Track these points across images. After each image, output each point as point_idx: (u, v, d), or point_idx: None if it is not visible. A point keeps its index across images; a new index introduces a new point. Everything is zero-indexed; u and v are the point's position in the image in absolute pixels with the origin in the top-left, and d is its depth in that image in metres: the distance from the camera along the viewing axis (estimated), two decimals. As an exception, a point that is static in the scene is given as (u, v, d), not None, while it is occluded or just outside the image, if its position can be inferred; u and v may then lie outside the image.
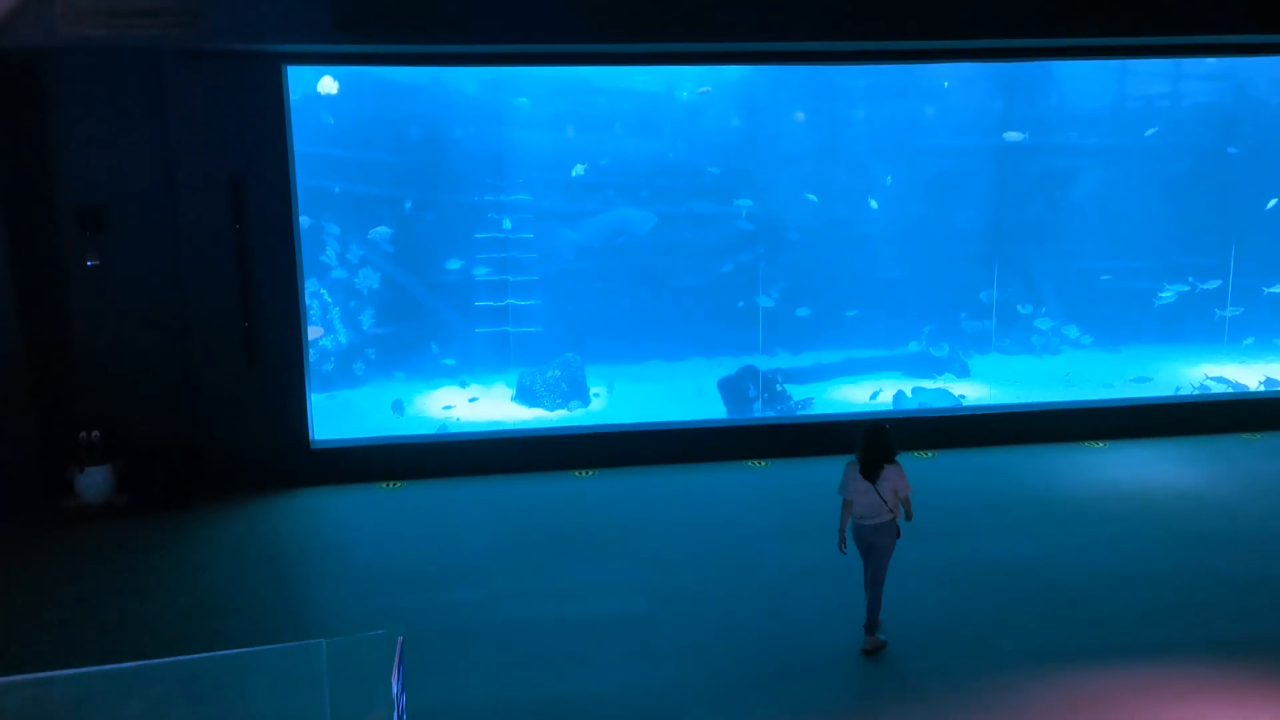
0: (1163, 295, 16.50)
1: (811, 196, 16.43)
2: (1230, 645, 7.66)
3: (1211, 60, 16.41)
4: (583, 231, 15.96)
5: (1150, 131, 16.49)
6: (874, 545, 7.66)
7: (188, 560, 9.56)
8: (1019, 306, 17.02)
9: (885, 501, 7.53)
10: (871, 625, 7.78)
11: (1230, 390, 14.66)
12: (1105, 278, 16.99)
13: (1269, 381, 14.64)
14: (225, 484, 11.24)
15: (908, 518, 7.72)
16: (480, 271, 15.67)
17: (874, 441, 7.56)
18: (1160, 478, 11.22)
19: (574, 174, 15.29)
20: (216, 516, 10.61)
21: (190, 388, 11.19)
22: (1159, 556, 9.21)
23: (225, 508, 10.81)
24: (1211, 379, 15.26)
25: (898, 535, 7.69)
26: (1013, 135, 16.07)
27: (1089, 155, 17.40)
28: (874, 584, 7.74)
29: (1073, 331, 16.89)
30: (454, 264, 15.66)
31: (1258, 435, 12.64)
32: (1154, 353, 16.79)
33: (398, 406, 14.75)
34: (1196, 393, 14.45)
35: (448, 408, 14.70)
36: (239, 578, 9.18)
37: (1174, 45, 12.16)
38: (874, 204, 16.46)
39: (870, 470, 7.53)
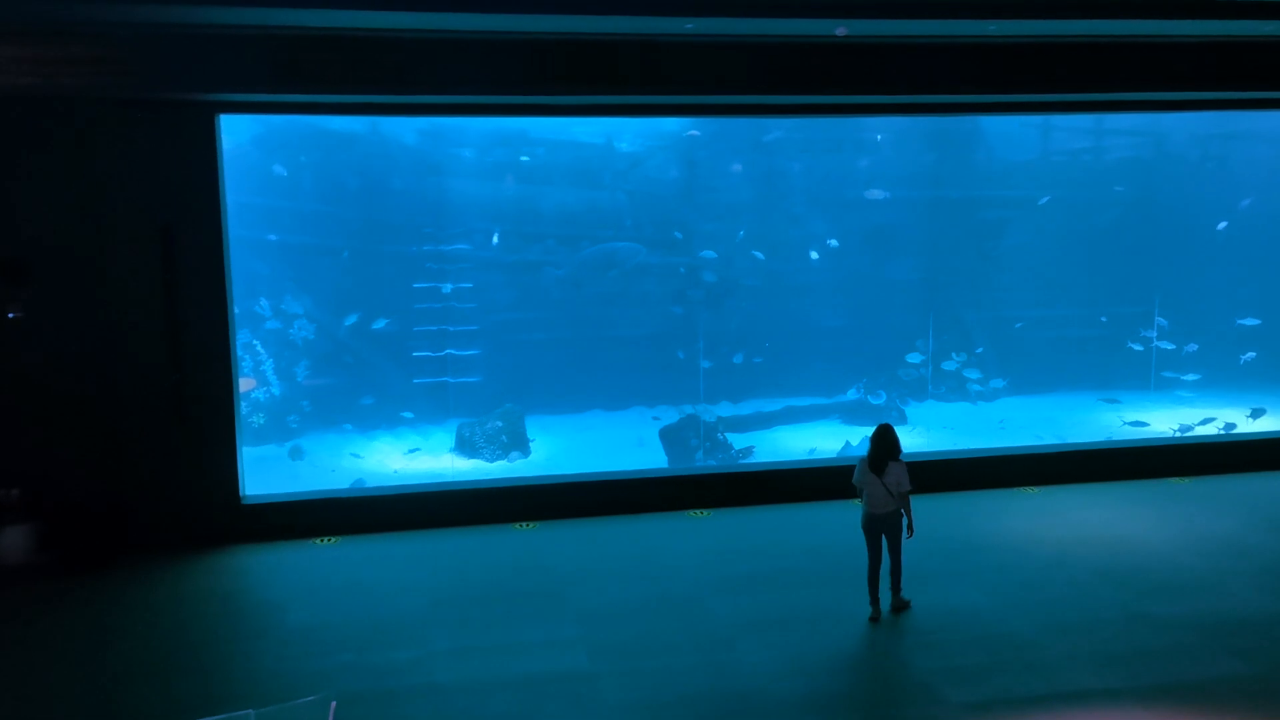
0: (1134, 346, 17.02)
1: (759, 254, 16.64)
2: (1167, 690, 7.73)
3: (1131, 115, 17.04)
4: (572, 266, 15.92)
5: (1044, 200, 17.14)
6: (885, 530, 8.88)
7: (111, 623, 9.17)
8: (953, 354, 17.34)
9: (891, 494, 8.72)
10: (896, 589, 9.09)
11: (1160, 436, 15.02)
12: (1018, 325, 17.48)
13: (1227, 426, 15.04)
14: (152, 542, 10.86)
15: (907, 514, 8.84)
16: (418, 322, 15.52)
17: (881, 441, 8.81)
18: (1094, 523, 11.39)
19: (494, 241, 15.26)
20: (142, 576, 10.21)
21: (116, 443, 10.82)
22: (1095, 602, 9.30)
23: (151, 567, 10.42)
24: (1129, 424, 15.69)
25: (905, 519, 8.86)
26: (875, 193, 16.46)
27: (1017, 207, 17.89)
28: (894, 556, 8.98)
29: (992, 380, 17.32)
30: (391, 315, 15.50)
31: (1186, 480, 12.92)
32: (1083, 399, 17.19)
33: (295, 453, 14.41)
34: (1127, 439, 14.76)
35: (355, 455, 14.40)
36: (165, 641, 8.82)
37: (1096, 102, 12.59)
38: (814, 255, 16.72)
39: (878, 465, 8.73)
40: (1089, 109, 13.11)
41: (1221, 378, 16.82)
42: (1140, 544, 10.72)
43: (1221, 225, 17.21)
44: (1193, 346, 16.90)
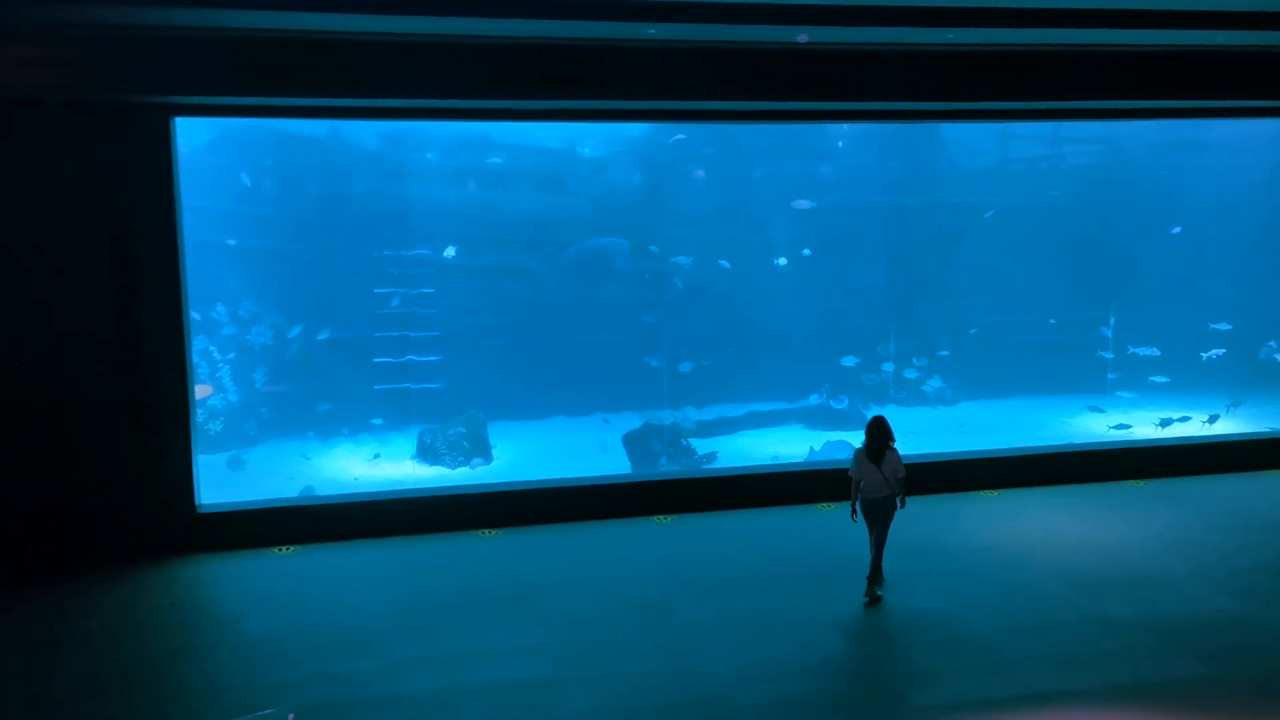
0: (1104, 354, 17.33)
1: (723, 262, 16.68)
2: (1126, 691, 7.81)
3: (1088, 123, 17.30)
4: (561, 262, 15.88)
5: (989, 213, 17.40)
6: (879, 515, 9.42)
7: (62, 636, 8.96)
8: (913, 360, 17.49)
9: (887, 480, 9.27)
10: (874, 581, 9.47)
11: (1117, 440, 15.25)
12: (973, 331, 17.70)
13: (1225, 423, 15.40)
14: (105, 553, 10.64)
15: (901, 502, 9.43)
16: (379, 328, 15.39)
17: (877, 431, 9.39)
18: (1053, 526, 11.51)
19: (446, 253, 15.16)
20: (95, 588, 10.00)
21: (68, 451, 10.59)
22: (1054, 604, 9.39)
23: (104, 579, 10.21)
24: (1114, 428, 16.00)
25: (898, 506, 9.44)
26: (802, 203, 16.59)
27: (976, 214, 18.09)
28: (878, 547, 9.48)
29: (935, 382, 17.52)
30: (351, 320, 15.35)
31: (1142, 482, 13.11)
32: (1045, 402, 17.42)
33: (235, 463, 14.18)
34: (1085, 443, 14.95)
35: (305, 456, 14.21)
36: (119, 653, 8.63)
37: (1054, 110, 12.74)
38: (782, 261, 16.79)
39: (875, 454, 9.29)
40: (1047, 117, 13.28)
41: (1187, 380, 17.17)
42: (1098, 546, 10.85)
43: (1176, 230, 17.55)
44: (1155, 351, 17.24)
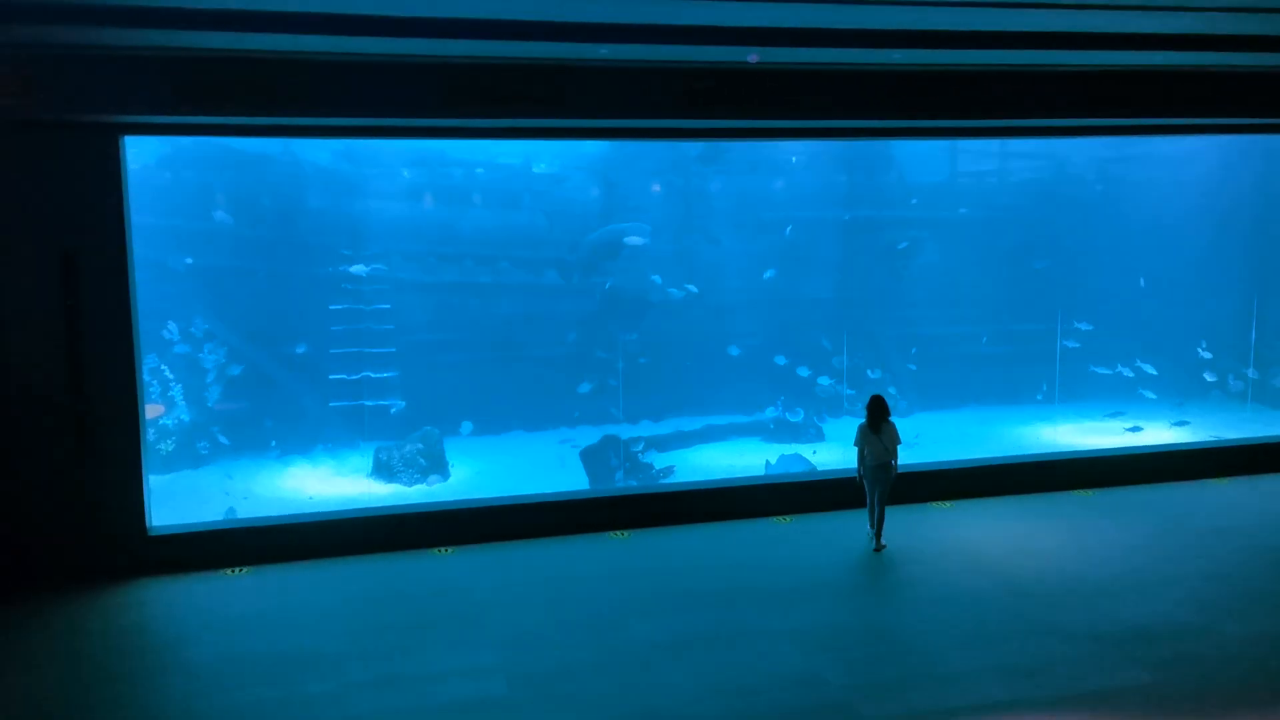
0: (1099, 370, 17.78)
1: (692, 286, 16.78)
2: (1072, 699, 7.96)
3: (1033, 140, 17.65)
4: (583, 249, 15.90)
5: (903, 245, 17.75)
6: (880, 479, 11.01)
7: (6, 661, 8.80)
8: (868, 372, 17.69)
9: (887, 447, 10.91)
10: (878, 534, 11.14)
11: (1066, 450, 15.52)
12: (913, 350, 18.01)
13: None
14: (52, 576, 10.48)
15: (894, 459, 10.99)
16: (335, 344, 15.30)
17: (877, 406, 10.99)
18: (1002, 536, 11.70)
19: (354, 271, 15.01)
20: (39, 612, 9.84)
21: (13, 473, 10.42)
22: (1003, 614, 9.55)
23: (51, 603, 10.04)
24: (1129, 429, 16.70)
25: (894, 471, 11.02)
26: (633, 239, 16.79)
27: (926, 227, 18.38)
28: (881, 505, 11.10)
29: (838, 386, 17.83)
30: (306, 337, 15.25)
31: (1090, 492, 13.36)
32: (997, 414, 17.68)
33: None
34: (1034, 454, 15.19)
35: (228, 476, 14.00)
36: (63, 679, 8.49)
37: (1001, 128, 13.00)
38: (769, 274, 16.92)
39: (875, 425, 10.93)
40: (991, 134, 13.54)
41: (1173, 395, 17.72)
42: (1046, 556, 11.05)
43: (1140, 276, 18.07)
44: (1152, 368, 17.81)
